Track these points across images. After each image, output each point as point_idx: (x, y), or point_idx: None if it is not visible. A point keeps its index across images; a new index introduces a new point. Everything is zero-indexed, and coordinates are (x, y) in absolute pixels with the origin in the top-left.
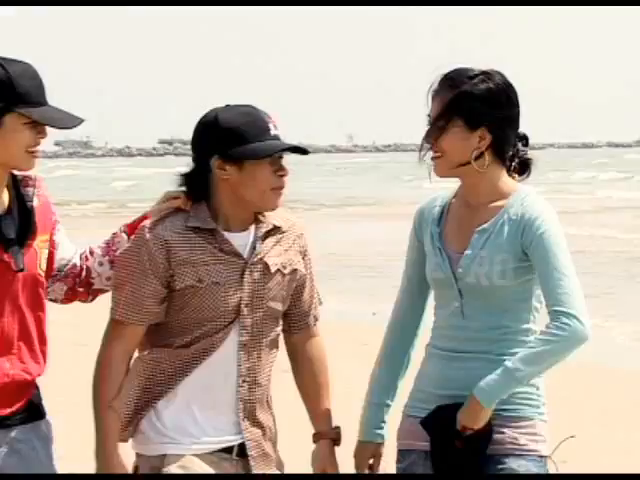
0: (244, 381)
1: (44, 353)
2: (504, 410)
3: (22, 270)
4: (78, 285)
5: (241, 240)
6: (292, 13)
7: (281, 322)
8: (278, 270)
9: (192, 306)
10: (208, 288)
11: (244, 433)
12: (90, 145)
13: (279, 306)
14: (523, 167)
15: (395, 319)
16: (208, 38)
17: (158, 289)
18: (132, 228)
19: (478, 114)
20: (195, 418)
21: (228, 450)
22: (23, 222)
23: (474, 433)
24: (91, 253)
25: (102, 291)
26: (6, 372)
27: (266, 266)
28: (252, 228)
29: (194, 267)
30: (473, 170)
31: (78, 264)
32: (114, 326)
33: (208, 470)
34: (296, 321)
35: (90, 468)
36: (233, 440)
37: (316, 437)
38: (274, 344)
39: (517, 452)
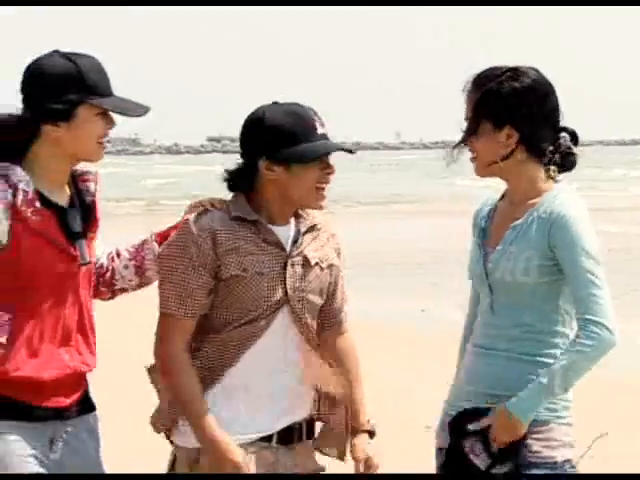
0: (285, 371)
1: (95, 345)
2: None
3: (87, 264)
4: (101, 285)
5: (283, 233)
6: (341, 11)
7: (317, 315)
8: (317, 264)
9: (235, 296)
10: (252, 278)
11: (284, 419)
12: (138, 142)
13: (317, 299)
14: (564, 161)
15: (467, 315)
16: (258, 35)
17: (207, 280)
18: (162, 237)
19: (502, 113)
20: (235, 409)
21: (268, 438)
22: (85, 215)
23: (508, 445)
24: (118, 255)
25: (123, 290)
26: (66, 363)
27: (306, 259)
28: (292, 222)
29: (239, 256)
30: (507, 168)
31: (105, 264)
32: (166, 321)
33: (245, 459)
34: (329, 317)
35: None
36: (273, 428)
37: (353, 431)
38: (314, 336)
39: (529, 460)
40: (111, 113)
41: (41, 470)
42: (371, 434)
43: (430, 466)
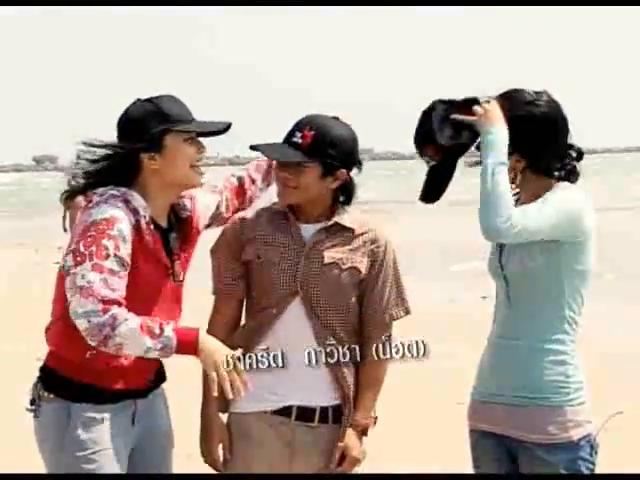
0: (303, 360)
1: None
2: (534, 399)
3: (180, 282)
4: (239, 205)
5: (307, 230)
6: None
7: (352, 314)
8: (334, 263)
9: (252, 281)
10: (264, 265)
11: (303, 396)
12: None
13: (336, 298)
14: (568, 176)
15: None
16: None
17: (234, 264)
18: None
19: (511, 142)
20: (261, 381)
21: (287, 413)
22: (182, 234)
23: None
24: (253, 181)
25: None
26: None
27: (322, 258)
28: (319, 222)
29: (257, 244)
30: (516, 183)
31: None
32: (214, 300)
33: (261, 430)
34: (363, 317)
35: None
36: (289, 400)
37: (352, 425)
38: (340, 331)
39: (547, 442)
40: (200, 138)
41: (126, 445)
42: (363, 431)
43: (460, 440)
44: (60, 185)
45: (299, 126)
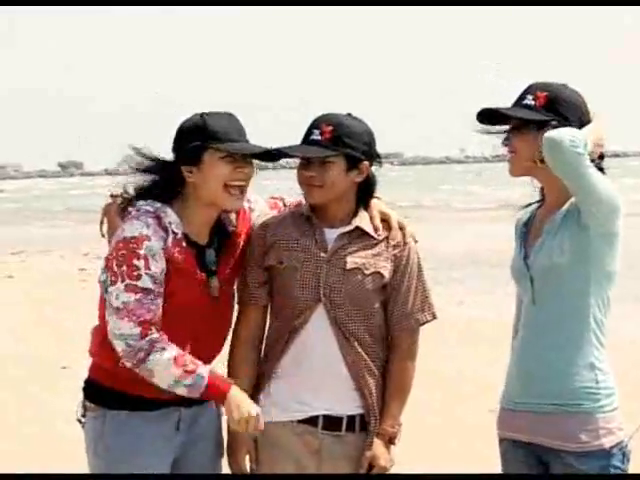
0: (328, 367)
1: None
2: (564, 406)
3: (217, 298)
4: None
5: (331, 234)
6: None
7: (377, 317)
8: (357, 269)
9: (275, 287)
10: (287, 271)
11: (329, 406)
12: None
13: (359, 304)
14: None
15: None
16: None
17: (258, 270)
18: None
19: (554, 115)
20: (281, 392)
21: (314, 423)
22: (226, 249)
23: None
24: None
25: None
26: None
27: (345, 263)
28: (342, 226)
29: (280, 249)
30: (542, 172)
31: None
32: (238, 308)
33: (288, 439)
34: (389, 323)
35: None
36: (317, 410)
37: (379, 433)
38: (366, 338)
39: (579, 450)
40: (242, 161)
41: (167, 453)
42: (390, 440)
43: (492, 447)
44: (87, 191)
45: (316, 124)
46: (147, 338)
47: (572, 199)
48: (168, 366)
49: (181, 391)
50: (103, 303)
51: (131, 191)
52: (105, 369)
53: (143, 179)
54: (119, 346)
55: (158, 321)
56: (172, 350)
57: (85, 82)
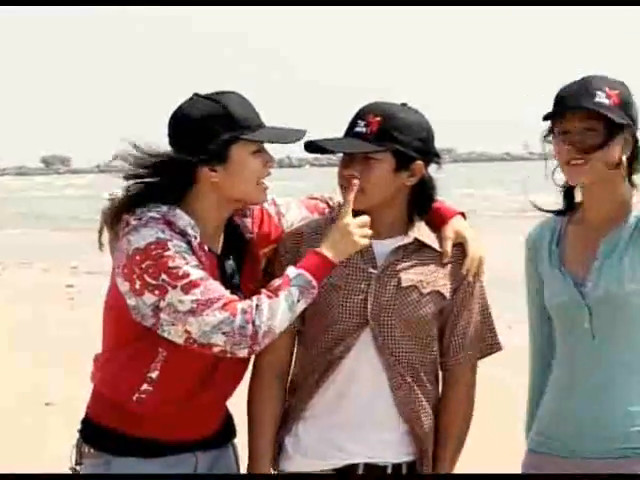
0: (372, 404)
1: (239, 381)
2: (638, 449)
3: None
4: None
5: (379, 247)
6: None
7: (434, 347)
8: (414, 287)
9: (311, 309)
10: (326, 290)
11: (370, 452)
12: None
13: (414, 328)
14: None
15: (534, 361)
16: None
17: None
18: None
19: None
20: (315, 435)
21: (352, 471)
22: (246, 260)
23: None
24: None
25: None
26: (201, 402)
27: (399, 280)
28: (393, 236)
29: None
30: (608, 177)
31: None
32: None
33: None
34: (445, 354)
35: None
36: (356, 457)
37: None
38: (420, 370)
39: None
40: (267, 148)
41: None
42: None
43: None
44: (75, 192)
45: (361, 114)
46: (238, 311)
47: (628, 207)
48: (273, 308)
49: (301, 306)
50: (109, 326)
51: (123, 194)
52: (112, 404)
53: (140, 179)
54: (219, 341)
55: (233, 296)
56: (258, 297)
57: None
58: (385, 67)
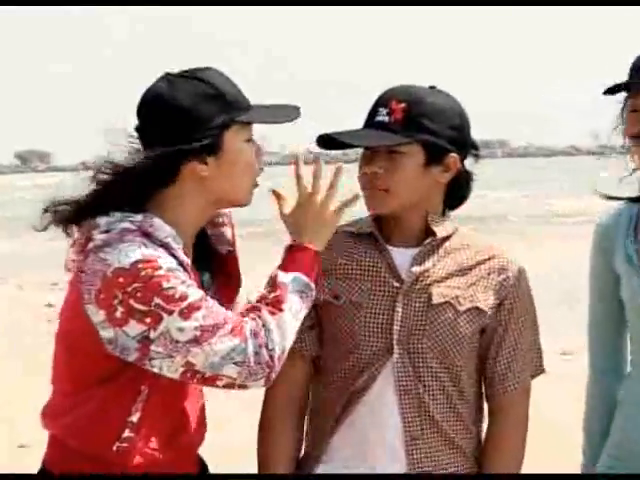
0: (401, 446)
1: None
2: None
3: None
4: None
5: (403, 257)
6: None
7: (474, 374)
8: (448, 303)
9: (330, 332)
10: (346, 309)
11: None
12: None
13: (455, 352)
14: None
15: (600, 373)
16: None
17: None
18: None
19: None
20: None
21: None
22: (220, 275)
23: None
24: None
25: None
26: (181, 444)
27: (429, 296)
28: (425, 246)
29: (334, 279)
30: None
31: None
32: None
33: None
34: (487, 384)
35: None
36: None
37: None
38: (458, 401)
39: None
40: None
41: None
42: None
43: None
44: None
45: (383, 100)
46: (247, 335)
47: None
48: (281, 324)
49: (306, 311)
50: (82, 362)
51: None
52: (82, 456)
53: (102, 180)
54: (232, 372)
55: (238, 316)
56: (262, 315)
57: None
58: (385, 67)
